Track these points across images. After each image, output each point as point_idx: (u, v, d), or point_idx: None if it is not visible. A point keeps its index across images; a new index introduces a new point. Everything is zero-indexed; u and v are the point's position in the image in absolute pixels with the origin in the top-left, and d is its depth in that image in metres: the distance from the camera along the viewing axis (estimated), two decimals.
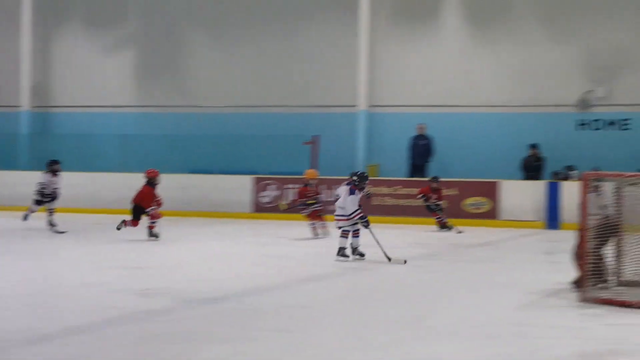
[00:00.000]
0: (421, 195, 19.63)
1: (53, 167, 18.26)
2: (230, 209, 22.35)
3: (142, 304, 9.83)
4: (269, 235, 18.02)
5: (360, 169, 23.05)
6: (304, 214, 17.64)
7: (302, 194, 17.81)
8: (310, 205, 17.52)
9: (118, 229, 16.29)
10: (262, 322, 8.96)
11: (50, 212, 17.91)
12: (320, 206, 17.73)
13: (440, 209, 19.55)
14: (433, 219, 19.64)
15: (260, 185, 22.65)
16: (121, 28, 27.02)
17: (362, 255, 13.71)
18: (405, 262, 13.23)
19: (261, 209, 22.53)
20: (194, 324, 8.84)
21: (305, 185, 17.88)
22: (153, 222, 16.28)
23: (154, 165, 24.01)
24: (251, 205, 22.63)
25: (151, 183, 16.62)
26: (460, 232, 18.70)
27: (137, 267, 12.92)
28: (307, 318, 9.18)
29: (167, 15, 26.58)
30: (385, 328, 8.64)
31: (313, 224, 17.55)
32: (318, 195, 17.87)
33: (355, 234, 13.72)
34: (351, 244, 13.73)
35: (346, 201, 13.70)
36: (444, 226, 19.38)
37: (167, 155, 24.67)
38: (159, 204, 16.49)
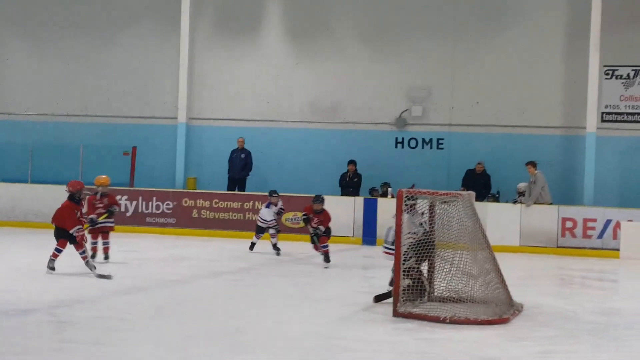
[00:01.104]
0: (304, 214, 16.29)
1: None
2: (44, 219, 21.61)
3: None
4: None
5: (179, 181, 22.92)
6: (89, 229, 14.75)
7: (90, 205, 15.07)
8: (96, 221, 14.89)
9: (51, 268, 13.25)
10: (73, 334, 8.75)
11: None
12: (110, 223, 15.21)
13: (318, 235, 15.95)
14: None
15: None
16: None
17: None
18: None
19: None
20: (1, 335, 8.51)
21: (96, 194, 15.28)
22: (83, 253, 13.12)
23: None
24: None
25: (73, 197, 13.45)
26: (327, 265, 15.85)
27: None
28: (121, 330, 9.01)
29: None
30: (201, 341, 8.55)
31: (95, 242, 15.01)
32: (112, 207, 15.27)
33: None
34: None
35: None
36: (326, 258, 15.91)
37: None
38: (82, 223, 13.38)
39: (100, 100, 24.57)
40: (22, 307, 10.11)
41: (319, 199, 16.19)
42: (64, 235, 13.15)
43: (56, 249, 13.27)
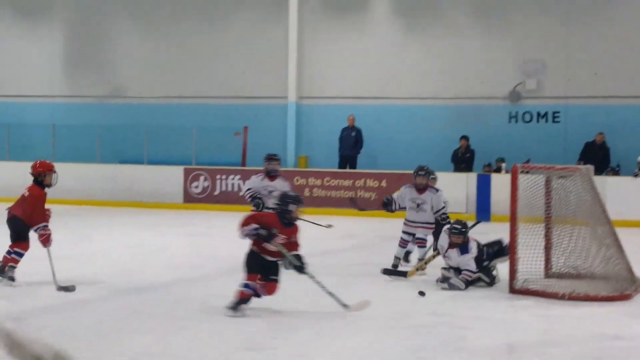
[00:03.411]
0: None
1: None
2: (161, 199, 22.04)
3: (71, 293, 9.66)
4: (198, 226, 17.80)
5: (290, 159, 22.95)
6: None
7: None
8: None
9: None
10: (190, 312, 8.83)
11: None
12: None
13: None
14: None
15: (191, 176, 22.36)
16: (49, 16, 26.38)
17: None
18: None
19: (192, 199, 22.24)
20: (121, 314, 8.78)
21: None
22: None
23: (83, 156, 23.73)
24: (182, 196, 22.33)
25: (39, 181, 10.42)
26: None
27: (66, 257, 12.60)
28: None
29: (95, 3, 26.05)
30: (313, 319, 8.53)
31: None
32: None
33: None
34: None
35: None
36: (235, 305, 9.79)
37: (97, 146, 24.31)
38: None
39: (211, 82, 24.81)
40: (140, 286, 10.36)
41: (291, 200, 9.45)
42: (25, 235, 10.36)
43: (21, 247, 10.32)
